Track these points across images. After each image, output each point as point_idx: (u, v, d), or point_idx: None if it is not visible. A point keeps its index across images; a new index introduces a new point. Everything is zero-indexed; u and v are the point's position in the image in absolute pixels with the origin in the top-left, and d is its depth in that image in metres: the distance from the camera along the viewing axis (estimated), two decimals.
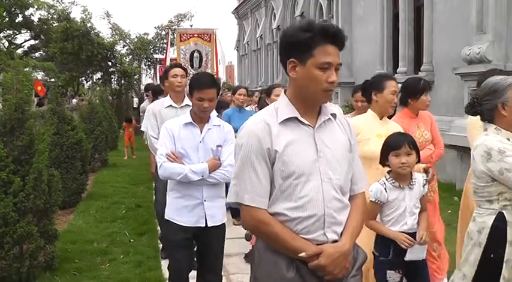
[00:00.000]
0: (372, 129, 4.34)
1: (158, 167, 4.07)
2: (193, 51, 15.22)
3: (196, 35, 15.53)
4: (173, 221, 4.13)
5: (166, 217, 4.21)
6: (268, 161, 2.38)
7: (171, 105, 5.59)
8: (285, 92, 2.55)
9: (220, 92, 9.49)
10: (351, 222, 2.50)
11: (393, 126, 4.39)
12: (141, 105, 13.41)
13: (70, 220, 8.22)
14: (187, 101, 5.43)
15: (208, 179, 4.02)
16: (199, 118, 4.08)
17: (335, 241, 2.42)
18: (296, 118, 2.44)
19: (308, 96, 2.44)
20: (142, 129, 6.20)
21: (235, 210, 6.89)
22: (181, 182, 4.02)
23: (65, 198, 7.83)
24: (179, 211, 4.10)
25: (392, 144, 3.77)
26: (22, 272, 5.18)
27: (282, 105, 2.49)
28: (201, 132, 4.08)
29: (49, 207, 5.62)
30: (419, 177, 3.85)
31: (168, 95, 5.76)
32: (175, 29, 18.20)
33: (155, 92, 9.06)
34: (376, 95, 4.39)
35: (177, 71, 5.68)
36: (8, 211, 5.02)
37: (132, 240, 7.10)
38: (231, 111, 7.90)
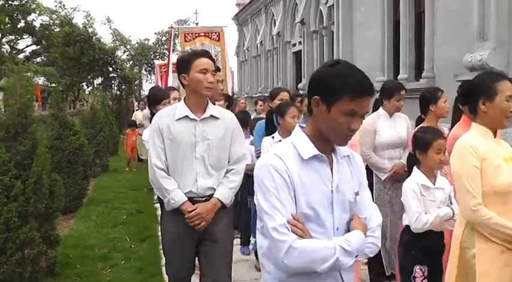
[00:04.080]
0: (495, 151, 3.18)
1: (281, 255, 2.14)
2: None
3: (202, 34, 13.86)
4: None
5: None
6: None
7: (187, 116, 3.78)
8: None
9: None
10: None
11: (505, 144, 3.33)
12: (143, 111, 13.20)
13: (71, 225, 8.23)
14: (212, 109, 3.87)
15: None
16: (324, 142, 2.29)
17: None
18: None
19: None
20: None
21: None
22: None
23: (66, 203, 7.82)
24: None
25: None
26: (24, 277, 5.19)
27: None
28: (332, 170, 2.29)
29: (51, 212, 5.62)
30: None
31: (183, 100, 3.91)
32: (178, 28, 16.57)
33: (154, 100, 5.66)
34: (484, 103, 3.18)
35: (206, 63, 3.79)
36: (10, 217, 5.02)
37: (133, 246, 7.10)
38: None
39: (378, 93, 5.65)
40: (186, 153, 3.73)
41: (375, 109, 5.65)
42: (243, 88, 34.17)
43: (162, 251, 4.20)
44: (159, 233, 7.40)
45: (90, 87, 37.52)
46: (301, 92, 15.57)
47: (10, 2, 37.57)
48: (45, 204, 5.41)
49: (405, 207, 3.91)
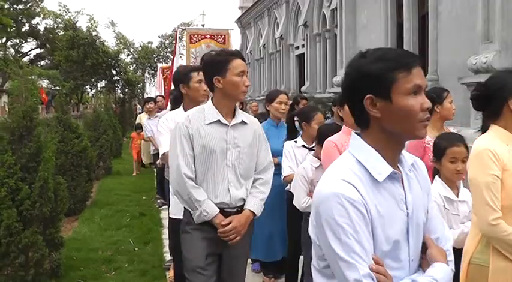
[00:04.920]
0: None
1: None
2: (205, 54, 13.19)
3: (208, 37, 13.53)
4: None
5: None
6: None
7: (219, 121, 3.49)
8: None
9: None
10: None
11: None
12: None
13: (74, 227, 8.22)
14: (241, 114, 3.63)
15: None
16: (392, 151, 1.93)
17: None
18: None
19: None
20: (162, 151, 4.54)
21: (268, 268, 5.95)
22: None
23: (70, 205, 7.82)
24: None
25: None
26: (27, 280, 5.19)
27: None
28: (404, 190, 1.91)
29: (55, 215, 5.62)
30: None
31: (211, 103, 3.56)
32: (184, 29, 15.92)
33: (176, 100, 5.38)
34: (509, 105, 2.82)
35: (242, 65, 3.55)
36: (11, 222, 5.01)
37: (136, 249, 7.09)
38: (266, 125, 5.55)
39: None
40: (218, 161, 3.45)
41: None
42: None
43: (184, 270, 3.62)
44: (163, 236, 7.44)
45: (94, 90, 37.60)
46: (304, 94, 15.54)
47: (15, 6, 37.73)
48: (50, 207, 5.41)
49: None
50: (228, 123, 3.50)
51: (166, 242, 6.76)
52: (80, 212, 9.14)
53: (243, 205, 3.56)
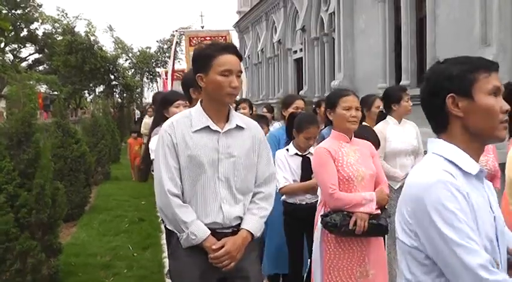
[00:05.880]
0: None
1: None
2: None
3: (208, 38, 12.99)
4: None
5: None
6: None
7: (208, 127, 3.01)
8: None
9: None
10: None
11: None
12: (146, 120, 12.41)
13: (73, 233, 8.21)
14: (236, 118, 3.11)
15: None
16: (474, 151, 1.93)
17: None
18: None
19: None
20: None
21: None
22: None
23: (68, 211, 7.79)
24: None
25: None
26: None
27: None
28: (487, 193, 1.93)
29: (53, 221, 5.60)
30: None
31: (199, 106, 3.08)
32: (184, 31, 15.29)
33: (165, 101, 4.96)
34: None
35: (228, 61, 2.95)
36: (9, 227, 4.99)
37: (135, 254, 7.07)
38: (281, 132, 5.52)
39: (381, 105, 5.66)
40: (208, 175, 2.95)
41: (379, 121, 5.58)
42: (244, 94, 34.19)
43: None
44: (162, 241, 7.42)
45: (92, 95, 37.60)
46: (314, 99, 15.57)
47: (13, 11, 37.73)
48: (48, 213, 5.40)
49: None
50: (219, 130, 2.99)
51: (165, 248, 6.74)
52: (78, 217, 9.12)
53: (239, 224, 3.05)
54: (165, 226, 3.83)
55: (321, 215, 3.86)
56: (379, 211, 3.86)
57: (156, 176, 3.00)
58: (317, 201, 4.27)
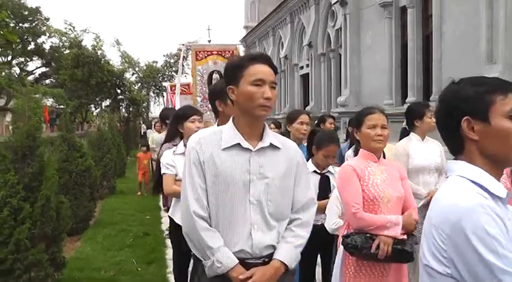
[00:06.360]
0: None
1: None
2: (213, 71, 11.95)
3: (215, 53, 12.61)
4: None
5: None
6: None
7: (238, 145, 2.72)
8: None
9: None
10: None
11: None
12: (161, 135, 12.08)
13: (77, 247, 8.18)
14: (271, 136, 2.83)
15: None
16: (495, 175, 1.86)
17: None
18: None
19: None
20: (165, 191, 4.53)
21: None
22: None
23: (73, 225, 7.79)
24: None
25: None
26: None
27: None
28: None
29: (57, 234, 5.60)
30: None
31: (231, 122, 2.82)
32: (190, 46, 15.01)
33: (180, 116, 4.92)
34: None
35: (260, 71, 2.71)
36: (21, 238, 5.00)
37: (139, 269, 7.03)
38: None
39: (404, 122, 5.56)
40: (238, 197, 2.67)
41: (402, 138, 5.50)
42: None
43: None
44: (166, 256, 7.39)
45: (98, 109, 37.72)
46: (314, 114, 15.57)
47: (21, 24, 38.05)
48: (52, 226, 5.40)
49: None
50: (251, 148, 2.71)
51: (170, 262, 6.70)
52: (82, 231, 9.10)
53: (272, 254, 2.73)
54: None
55: (343, 236, 3.71)
56: (405, 236, 3.65)
57: (182, 197, 2.76)
58: None
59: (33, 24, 39.13)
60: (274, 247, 2.73)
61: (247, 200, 2.67)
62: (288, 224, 2.81)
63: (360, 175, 3.70)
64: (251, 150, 2.71)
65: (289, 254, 2.73)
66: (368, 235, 3.58)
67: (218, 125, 3.76)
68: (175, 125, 4.73)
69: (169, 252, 7.31)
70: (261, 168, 2.70)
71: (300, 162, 2.90)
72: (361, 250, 3.54)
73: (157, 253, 7.79)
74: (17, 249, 5.03)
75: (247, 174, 2.67)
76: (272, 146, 2.77)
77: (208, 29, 25.91)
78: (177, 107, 13.00)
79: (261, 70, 2.69)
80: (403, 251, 3.58)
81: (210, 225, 2.67)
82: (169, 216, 4.78)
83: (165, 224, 9.33)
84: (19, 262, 5.05)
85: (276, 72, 2.81)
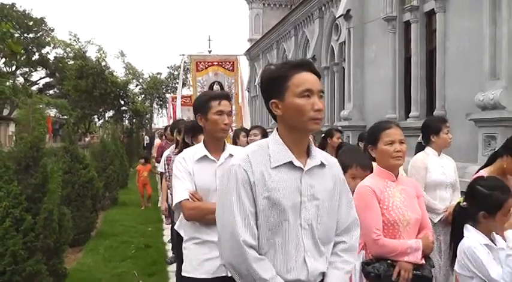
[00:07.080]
0: None
1: None
2: (213, 82, 11.65)
3: (216, 63, 12.38)
4: None
5: None
6: None
7: (290, 163, 2.43)
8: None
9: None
10: None
11: None
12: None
13: (79, 258, 8.17)
14: (318, 153, 2.56)
15: None
16: None
17: None
18: None
19: None
20: (175, 200, 3.55)
21: None
22: None
23: (75, 236, 7.78)
24: None
25: None
26: None
27: None
28: None
29: (59, 245, 5.60)
30: None
31: (276, 135, 2.51)
32: (190, 56, 14.98)
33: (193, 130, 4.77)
34: None
35: (306, 80, 2.44)
36: (17, 249, 4.99)
37: (141, 281, 7.02)
38: None
39: (420, 136, 5.46)
40: (290, 221, 2.38)
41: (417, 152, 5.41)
42: (254, 123, 34.24)
43: None
44: (168, 268, 7.37)
45: (102, 120, 37.81)
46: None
47: (26, 35, 38.27)
48: (54, 238, 5.39)
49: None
50: (302, 166, 2.42)
51: (172, 274, 6.69)
52: (84, 242, 9.10)
53: (321, 281, 2.51)
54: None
55: (362, 263, 3.55)
56: (423, 261, 3.53)
57: (224, 225, 2.39)
58: None
59: (38, 34, 39.40)
60: (323, 274, 2.49)
61: (298, 224, 2.39)
62: (333, 248, 2.56)
63: (379, 197, 3.51)
64: (302, 170, 2.41)
65: (340, 281, 2.51)
66: (389, 262, 3.46)
67: (204, 141, 3.63)
68: (189, 137, 4.63)
69: (171, 265, 7.30)
70: (312, 189, 2.43)
71: (342, 179, 2.63)
72: (383, 279, 3.43)
73: (159, 265, 7.77)
74: (14, 260, 5.02)
75: (298, 196, 2.39)
76: (321, 164, 2.50)
77: (209, 40, 25.13)
78: (178, 117, 12.87)
79: (307, 79, 2.39)
80: (423, 277, 3.49)
81: (259, 253, 2.37)
82: (174, 229, 4.70)
83: (167, 236, 9.32)
84: (17, 274, 5.03)
85: (320, 78, 2.51)
